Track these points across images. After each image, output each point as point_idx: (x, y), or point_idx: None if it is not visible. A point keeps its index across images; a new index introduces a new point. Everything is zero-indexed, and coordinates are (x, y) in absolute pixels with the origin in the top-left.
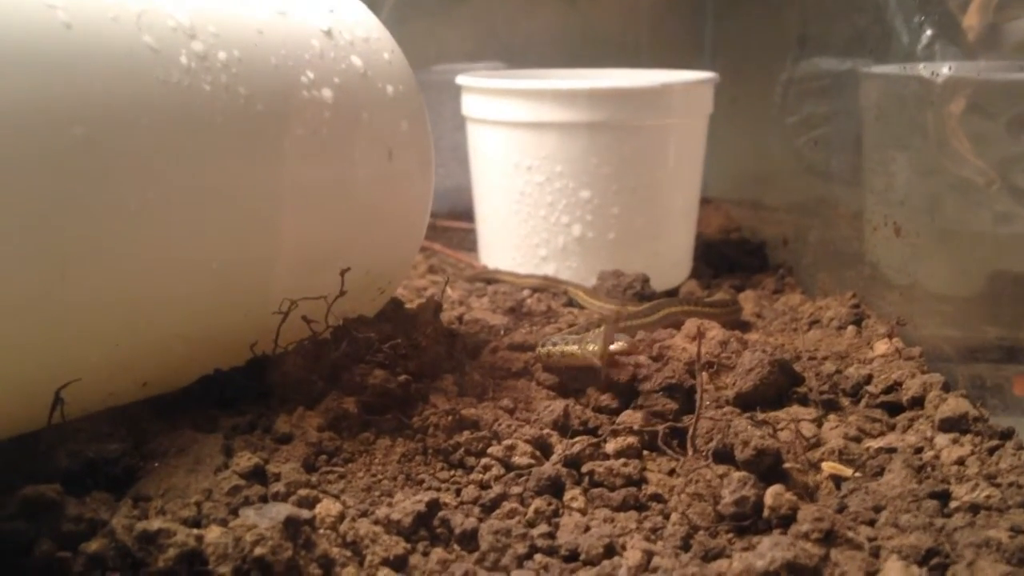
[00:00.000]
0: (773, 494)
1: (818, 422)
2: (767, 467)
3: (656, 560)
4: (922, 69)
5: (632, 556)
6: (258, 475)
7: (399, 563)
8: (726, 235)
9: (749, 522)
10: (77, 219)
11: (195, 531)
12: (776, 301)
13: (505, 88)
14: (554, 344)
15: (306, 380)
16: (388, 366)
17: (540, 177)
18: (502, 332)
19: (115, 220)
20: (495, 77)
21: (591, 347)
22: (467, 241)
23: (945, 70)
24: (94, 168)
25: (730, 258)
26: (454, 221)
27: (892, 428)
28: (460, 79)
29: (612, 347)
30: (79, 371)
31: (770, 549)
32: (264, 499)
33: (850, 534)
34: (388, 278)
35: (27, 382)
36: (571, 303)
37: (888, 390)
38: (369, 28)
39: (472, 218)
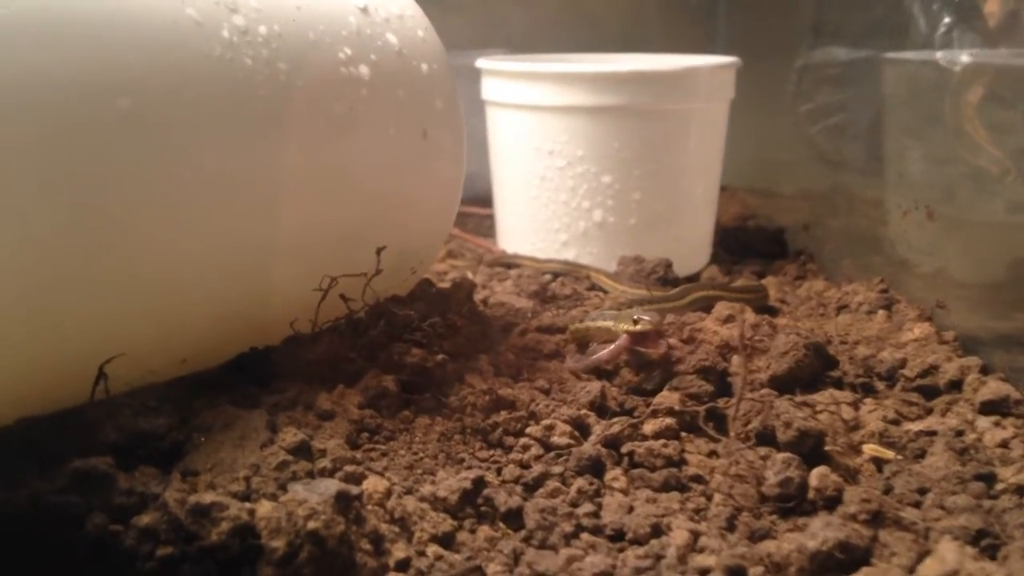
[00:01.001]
0: (818, 475)
1: (855, 405)
2: (809, 449)
3: (703, 540)
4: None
5: (679, 536)
6: (304, 451)
7: (447, 540)
8: (742, 222)
9: (794, 503)
10: (120, 193)
11: (247, 505)
12: (799, 287)
13: (527, 71)
14: (592, 320)
15: (344, 358)
16: (425, 345)
17: (561, 161)
18: (529, 315)
19: (157, 195)
20: (516, 60)
21: (623, 325)
22: (483, 227)
23: (964, 57)
24: (138, 141)
25: (749, 244)
26: (470, 207)
27: (930, 411)
28: (480, 62)
29: (642, 326)
30: (120, 347)
31: (822, 529)
32: (311, 475)
33: (899, 515)
34: (420, 258)
35: (70, 356)
36: (594, 287)
37: (924, 374)
38: (403, 6)
39: (489, 204)
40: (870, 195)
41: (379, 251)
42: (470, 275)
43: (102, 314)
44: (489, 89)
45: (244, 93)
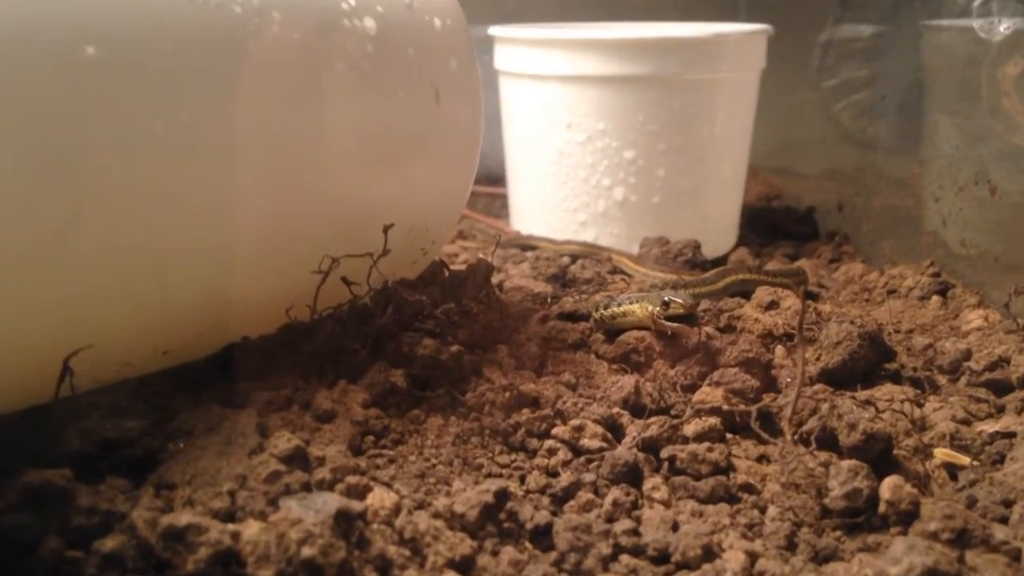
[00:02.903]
0: (891, 486)
1: (916, 402)
2: (877, 454)
3: (762, 563)
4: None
5: (733, 558)
6: (299, 459)
7: (466, 564)
8: (767, 202)
9: (862, 518)
10: (89, 152)
11: (230, 527)
12: (835, 270)
13: (544, 38)
14: (618, 305)
15: (347, 349)
16: (438, 335)
17: (580, 136)
18: (548, 300)
19: (131, 155)
20: (532, 27)
21: (651, 308)
22: (494, 207)
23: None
24: (108, 94)
25: (779, 225)
26: (481, 186)
27: (1002, 410)
28: (493, 30)
29: (670, 308)
30: (91, 335)
31: (905, 553)
32: (307, 487)
33: (987, 533)
34: (431, 237)
35: (31, 346)
36: (616, 270)
37: (992, 367)
38: None
39: (501, 183)
40: (901, 173)
41: (386, 229)
42: (482, 256)
43: (67, 297)
44: (503, 58)
45: (231, 45)
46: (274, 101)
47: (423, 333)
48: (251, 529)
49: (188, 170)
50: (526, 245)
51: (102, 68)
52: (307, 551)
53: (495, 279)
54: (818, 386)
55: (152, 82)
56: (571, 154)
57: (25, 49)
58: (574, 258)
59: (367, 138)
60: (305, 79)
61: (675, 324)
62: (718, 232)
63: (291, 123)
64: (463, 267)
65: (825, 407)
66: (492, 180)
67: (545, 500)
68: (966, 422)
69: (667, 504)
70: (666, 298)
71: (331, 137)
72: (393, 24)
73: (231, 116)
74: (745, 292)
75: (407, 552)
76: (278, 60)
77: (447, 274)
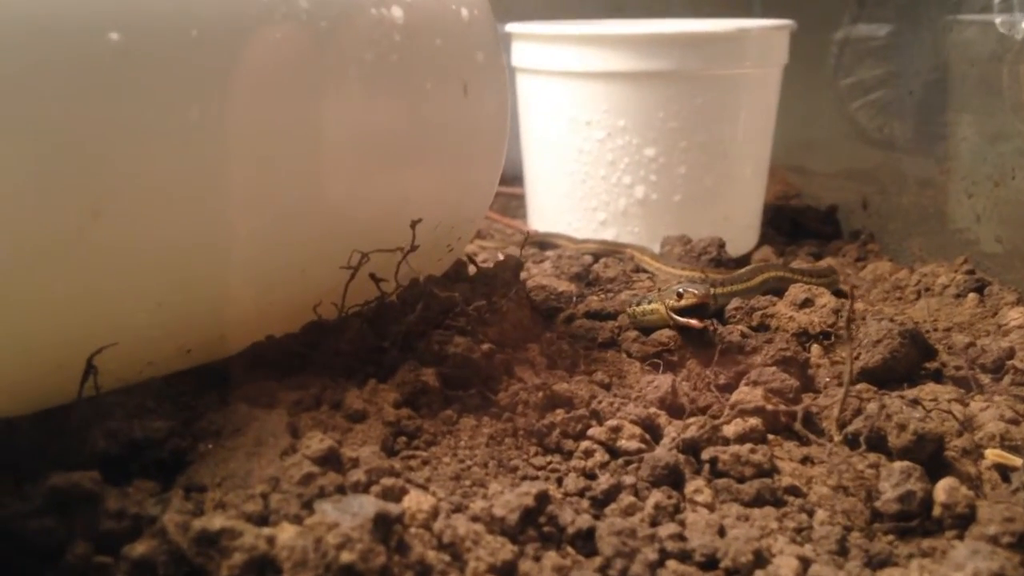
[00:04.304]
0: (947, 488)
1: (962, 402)
2: (928, 456)
3: (815, 568)
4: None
5: (786, 564)
6: (332, 460)
7: (508, 570)
8: (786, 201)
9: (916, 522)
10: (110, 145)
11: (264, 531)
12: (862, 269)
13: (562, 34)
14: (638, 304)
15: (376, 348)
16: (469, 333)
17: (600, 133)
18: (574, 299)
19: (155, 147)
20: (550, 23)
21: (670, 302)
22: (511, 207)
23: None
24: (131, 83)
25: (801, 224)
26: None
27: None
28: (511, 26)
29: (683, 300)
30: (113, 333)
31: (969, 558)
32: (342, 490)
33: None
34: (458, 233)
35: (53, 345)
36: (639, 269)
37: None
38: None
39: (518, 182)
40: (923, 171)
41: (414, 224)
42: (500, 256)
43: (90, 293)
44: (520, 55)
45: (257, 35)
46: (300, 93)
47: (454, 331)
48: (286, 533)
49: (209, 166)
50: (546, 243)
51: (125, 55)
52: (346, 556)
53: None
54: (861, 386)
55: (175, 71)
56: (590, 152)
57: (44, 45)
58: (597, 257)
59: (393, 131)
60: (331, 70)
61: (688, 319)
62: (740, 230)
63: (317, 115)
64: (492, 264)
65: (872, 407)
66: (509, 180)
67: (584, 503)
68: (1015, 422)
69: (711, 508)
70: (680, 289)
71: (357, 130)
72: (421, 14)
73: (255, 109)
74: (777, 290)
75: (447, 557)
76: (304, 50)
77: (475, 271)
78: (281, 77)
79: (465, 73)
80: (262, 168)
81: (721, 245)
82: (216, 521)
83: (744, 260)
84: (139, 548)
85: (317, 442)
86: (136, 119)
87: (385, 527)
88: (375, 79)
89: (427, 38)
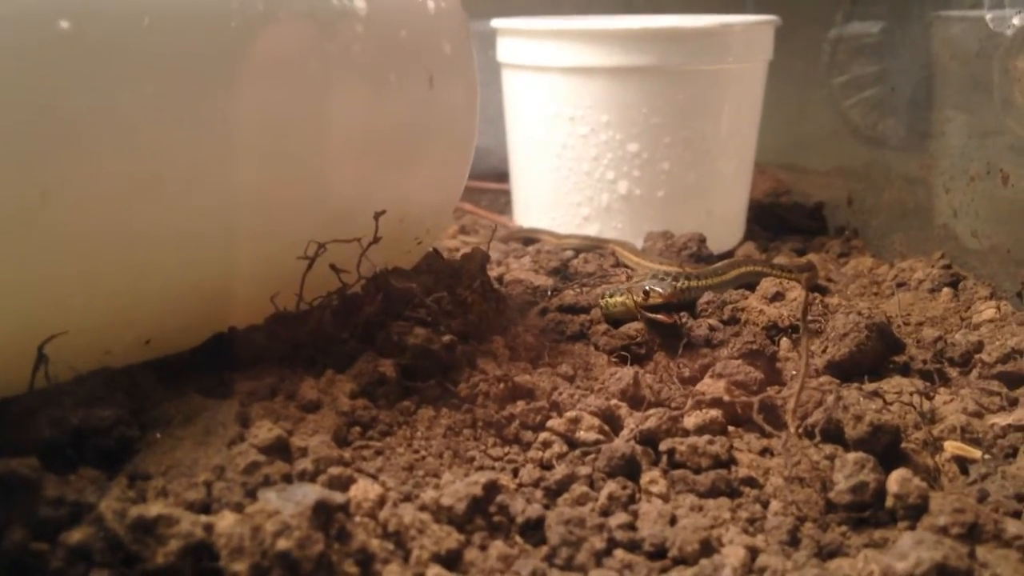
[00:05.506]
0: (899, 480)
1: (927, 395)
2: (884, 447)
3: (763, 559)
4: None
5: (733, 553)
6: (280, 449)
7: (452, 559)
8: (775, 198)
9: (869, 513)
10: (60, 129)
11: (203, 518)
12: (844, 264)
13: (547, 29)
14: (610, 295)
15: (335, 339)
16: (430, 324)
17: (584, 128)
18: (549, 293)
19: (107, 132)
20: (535, 19)
21: (637, 298)
22: (498, 203)
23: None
24: (82, 69)
25: (786, 220)
26: (485, 182)
27: (1014, 403)
28: (496, 22)
29: (649, 300)
30: (67, 322)
31: (913, 547)
32: (288, 479)
33: (999, 528)
34: (426, 226)
35: (2, 333)
36: (619, 263)
37: (1005, 359)
38: None
39: (503, 179)
40: (911, 168)
41: (377, 216)
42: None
43: (41, 281)
44: (505, 50)
45: (214, 22)
46: (258, 82)
47: (414, 322)
48: (225, 521)
49: (165, 151)
50: (528, 238)
51: (74, 45)
52: (283, 543)
53: (496, 272)
54: (824, 378)
55: (126, 59)
56: (574, 147)
57: None
58: (578, 252)
59: (356, 123)
60: (292, 61)
61: (656, 314)
62: (724, 226)
63: (277, 106)
64: (470, 251)
65: (830, 399)
66: (497, 177)
67: (538, 493)
68: (978, 415)
69: (665, 498)
70: (647, 287)
71: (319, 122)
72: (385, 5)
73: (212, 96)
74: (752, 285)
75: (390, 546)
76: (263, 40)
77: (441, 263)
78: (237, 67)
79: (431, 65)
80: (220, 158)
81: (701, 241)
82: (153, 508)
83: (728, 255)
84: (76, 535)
85: (265, 431)
86: (87, 104)
87: (326, 515)
88: (337, 71)
89: (391, 30)
